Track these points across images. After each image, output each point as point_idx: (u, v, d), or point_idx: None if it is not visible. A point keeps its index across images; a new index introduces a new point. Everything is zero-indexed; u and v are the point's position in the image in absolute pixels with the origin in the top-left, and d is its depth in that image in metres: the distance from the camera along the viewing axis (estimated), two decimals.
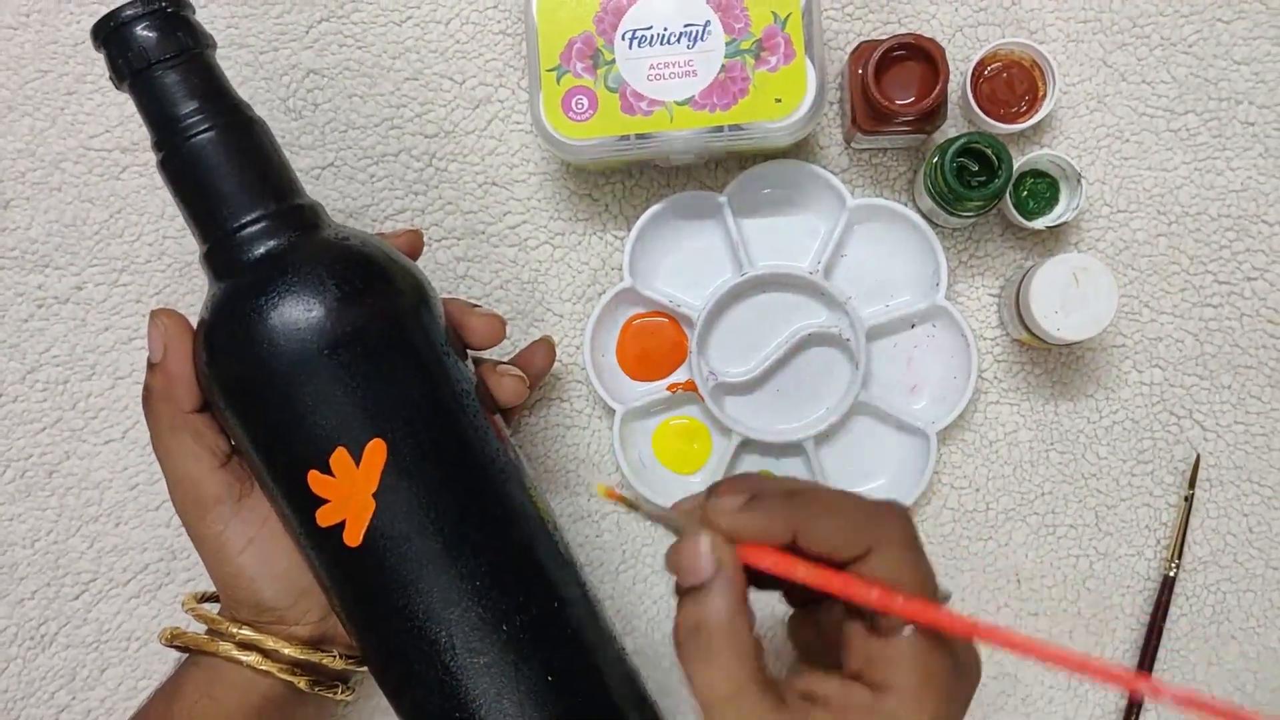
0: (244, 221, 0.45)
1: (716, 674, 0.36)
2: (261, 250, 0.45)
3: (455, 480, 0.45)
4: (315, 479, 0.43)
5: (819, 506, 0.36)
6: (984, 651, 0.60)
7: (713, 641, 0.36)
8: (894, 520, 0.36)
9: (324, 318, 0.43)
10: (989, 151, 0.55)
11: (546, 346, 0.57)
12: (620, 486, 0.62)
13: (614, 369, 0.61)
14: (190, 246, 0.61)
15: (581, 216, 0.62)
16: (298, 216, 0.46)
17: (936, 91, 0.54)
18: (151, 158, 0.60)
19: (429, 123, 0.62)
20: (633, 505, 0.40)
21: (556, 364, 0.61)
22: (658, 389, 0.61)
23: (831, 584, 0.35)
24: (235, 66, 0.62)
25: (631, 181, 0.62)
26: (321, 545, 0.45)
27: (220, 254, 0.45)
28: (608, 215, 0.62)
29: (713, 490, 0.38)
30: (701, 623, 0.36)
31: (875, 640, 0.36)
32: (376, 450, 0.43)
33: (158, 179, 0.60)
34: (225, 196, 0.45)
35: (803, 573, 0.36)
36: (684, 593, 0.37)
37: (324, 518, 0.44)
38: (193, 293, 0.63)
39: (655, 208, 0.60)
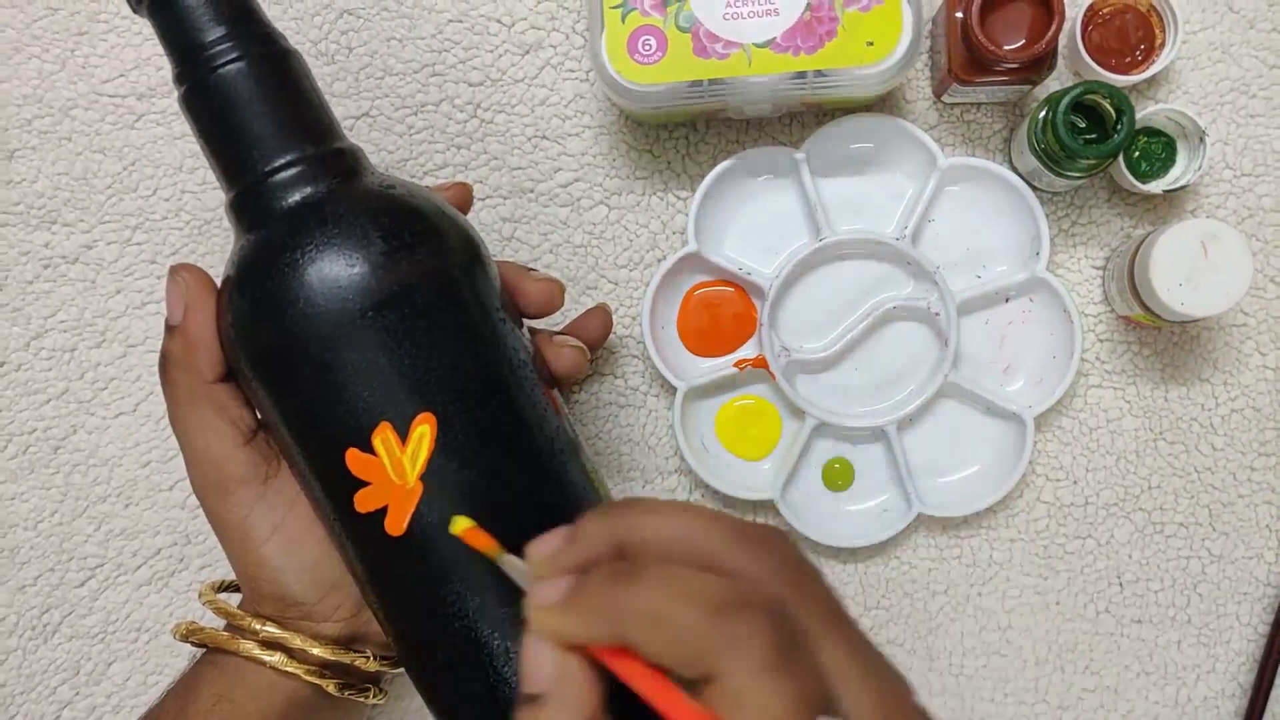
0: (277, 165, 0.41)
1: None
2: (297, 198, 0.41)
3: (512, 461, 0.41)
4: (354, 458, 0.39)
5: (648, 608, 0.28)
6: (1083, 660, 0.57)
7: None
8: (747, 634, 0.27)
9: (367, 274, 0.39)
10: (1106, 103, 0.50)
11: (602, 314, 0.54)
12: (679, 473, 0.58)
13: (675, 343, 0.57)
14: (211, 203, 0.59)
15: (641, 174, 0.58)
16: (338, 161, 0.42)
17: (1050, 34, 0.49)
18: (170, 105, 0.58)
19: (474, 69, 0.58)
20: (494, 554, 0.32)
21: (611, 336, 0.57)
22: (723, 365, 0.57)
23: (667, 713, 0.28)
24: (262, 4, 0.57)
25: (697, 136, 0.58)
26: (359, 533, 0.41)
27: (249, 201, 0.41)
28: (670, 173, 0.58)
29: (547, 549, 0.31)
30: None
31: None
32: (425, 426, 0.39)
33: (176, 128, 0.59)
34: (256, 136, 0.41)
35: (644, 690, 0.28)
36: (522, 697, 0.30)
37: (363, 502, 0.40)
38: (213, 253, 0.59)
39: (723, 165, 0.56)
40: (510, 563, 0.32)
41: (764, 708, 0.27)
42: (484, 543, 0.32)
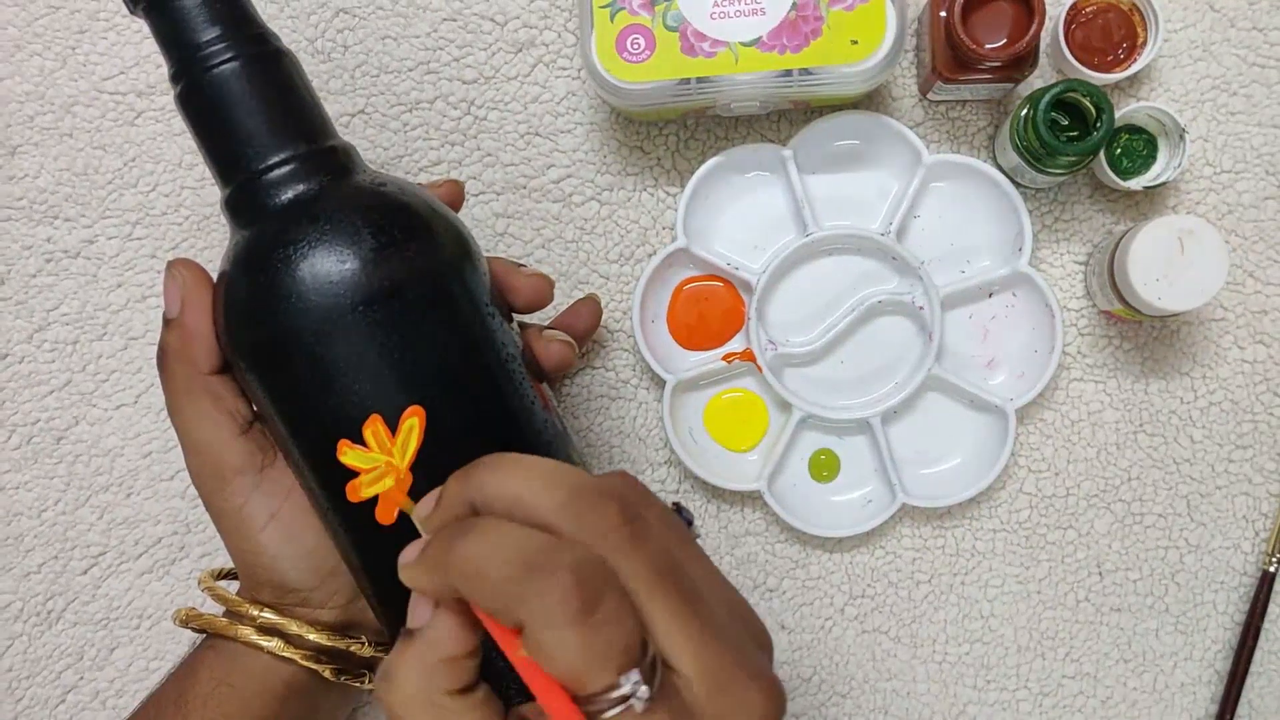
0: (271, 163, 0.41)
1: None
2: (290, 195, 0.41)
3: (499, 451, 0.41)
4: (345, 449, 0.40)
5: (468, 564, 0.30)
6: (1064, 648, 0.57)
7: (400, 698, 0.32)
8: (548, 590, 0.28)
9: (358, 270, 0.39)
10: (1086, 101, 0.51)
11: (592, 305, 0.54)
12: (668, 464, 0.58)
13: (664, 336, 0.58)
14: (210, 198, 0.59)
15: (631, 170, 0.58)
16: (330, 159, 0.42)
17: (1031, 33, 0.50)
18: (169, 102, 0.59)
19: (467, 67, 0.58)
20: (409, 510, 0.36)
21: (602, 330, 0.58)
22: (712, 359, 0.57)
23: (510, 658, 0.30)
24: (258, 3, 0.57)
25: (687, 133, 0.58)
26: (350, 523, 0.42)
27: (243, 199, 0.42)
28: (660, 169, 0.58)
29: (424, 510, 0.35)
30: (387, 669, 0.32)
31: None
32: (414, 418, 0.39)
33: (175, 124, 0.59)
34: (250, 135, 0.41)
35: (495, 638, 0.31)
36: (402, 632, 0.34)
37: (354, 492, 0.40)
38: (211, 248, 0.59)
39: (712, 161, 0.56)
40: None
41: (560, 659, 0.28)
42: (401, 501, 0.36)
